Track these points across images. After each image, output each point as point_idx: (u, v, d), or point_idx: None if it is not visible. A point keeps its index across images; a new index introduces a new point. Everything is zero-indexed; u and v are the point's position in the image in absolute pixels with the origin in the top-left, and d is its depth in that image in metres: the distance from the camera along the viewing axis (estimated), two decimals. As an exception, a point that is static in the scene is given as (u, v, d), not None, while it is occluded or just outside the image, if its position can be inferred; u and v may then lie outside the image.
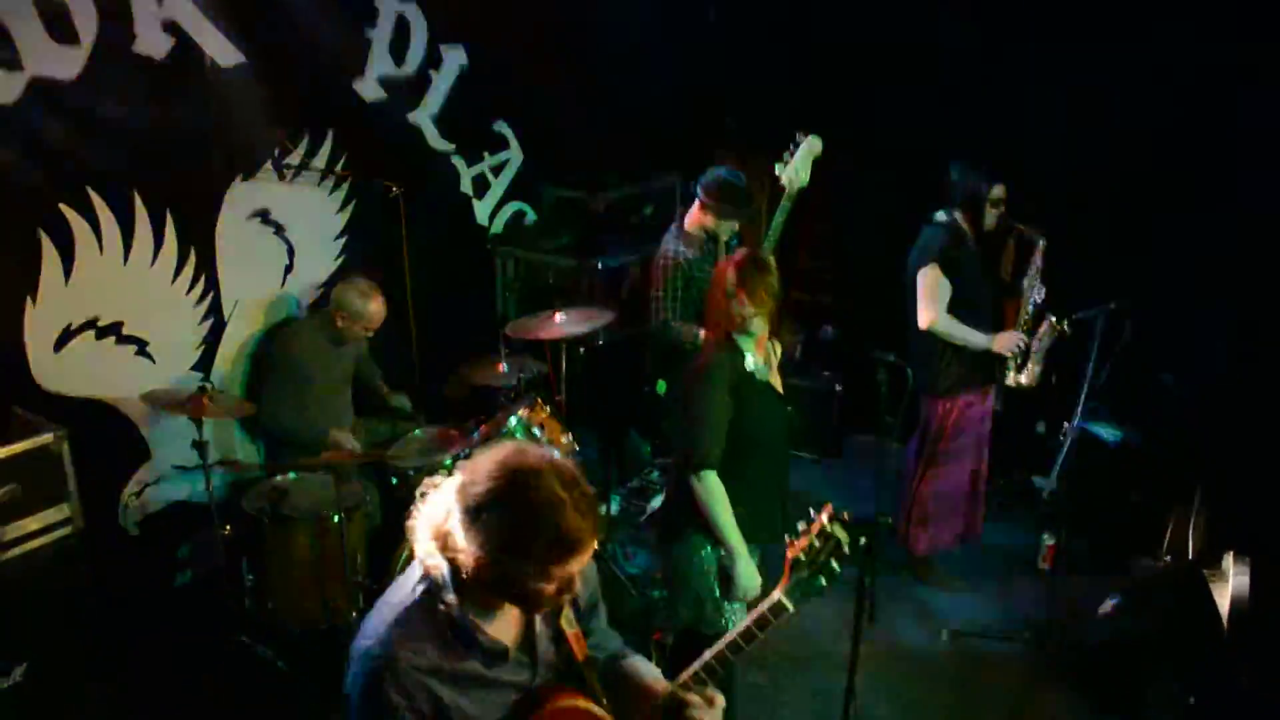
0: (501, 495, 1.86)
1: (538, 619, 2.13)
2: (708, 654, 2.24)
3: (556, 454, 1.97)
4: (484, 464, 1.91)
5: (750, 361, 3.32)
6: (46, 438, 3.62)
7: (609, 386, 5.72)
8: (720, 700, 2.20)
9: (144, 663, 4.11)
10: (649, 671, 2.38)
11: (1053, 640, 4.55)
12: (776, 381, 3.50)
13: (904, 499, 5.04)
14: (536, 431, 4.47)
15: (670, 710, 2.18)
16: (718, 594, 3.41)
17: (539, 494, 1.84)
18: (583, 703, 2.17)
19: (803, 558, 2.24)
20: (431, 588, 1.99)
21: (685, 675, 2.22)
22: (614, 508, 5.58)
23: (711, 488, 3.23)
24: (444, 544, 1.93)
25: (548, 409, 4.61)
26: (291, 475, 4.34)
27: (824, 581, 2.24)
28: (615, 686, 2.34)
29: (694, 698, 2.17)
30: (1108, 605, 4.59)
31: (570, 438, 4.63)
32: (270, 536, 4.09)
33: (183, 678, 4.14)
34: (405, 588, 2.03)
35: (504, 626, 2.08)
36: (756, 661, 4.40)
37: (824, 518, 2.26)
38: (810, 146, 4.19)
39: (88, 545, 3.73)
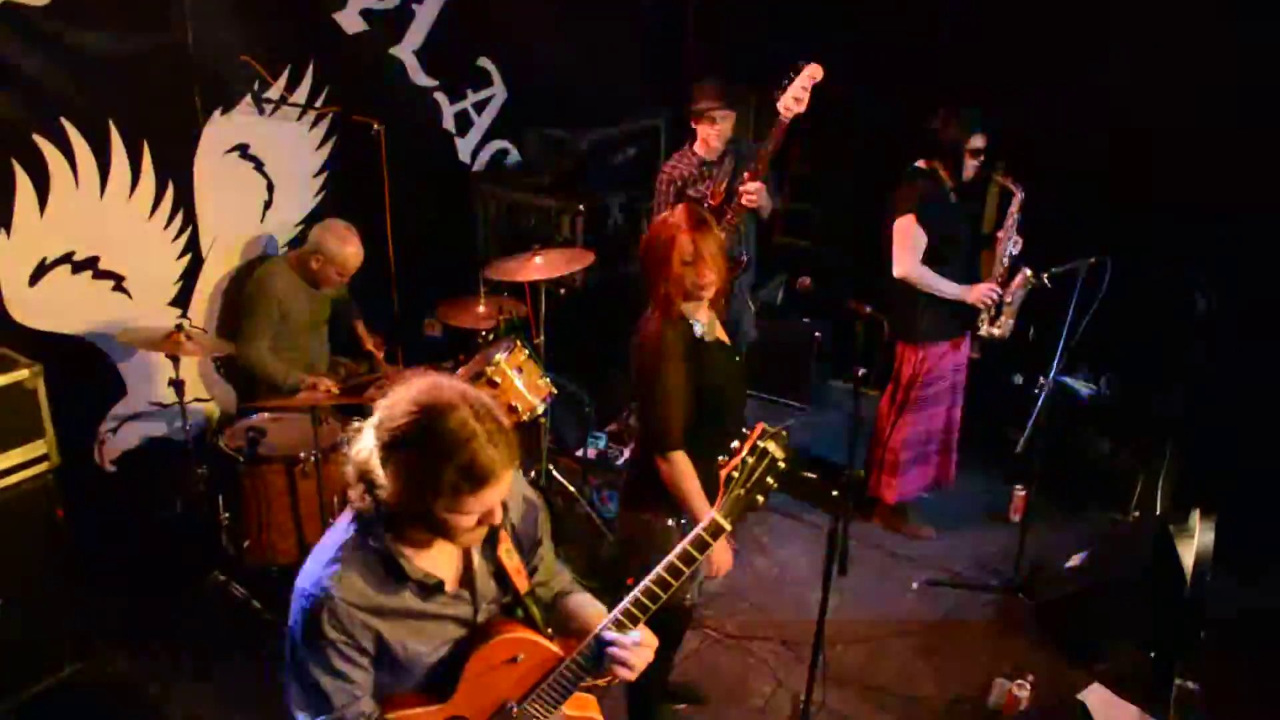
0: (414, 429, 1.88)
1: (475, 554, 2.16)
2: (645, 581, 2.19)
3: (470, 389, 1.96)
4: (399, 400, 1.93)
5: (699, 328, 3.20)
6: (22, 373, 3.58)
7: (589, 329, 5.71)
8: (650, 638, 2.19)
9: (120, 601, 4.14)
10: (592, 608, 2.40)
11: (1021, 591, 4.63)
12: (723, 333, 3.36)
13: (876, 447, 5.07)
14: (514, 374, 4.46)
15: (598, 648, 2.17)
16: None
17: (450, 427, 1.87)
18: (528, 635, 2.20)
19: (736, 475, 2.21)
20: (362, 525, 2.03)
21: (616, 611, 2.20)
22: (591, 451, 5.61)
23: (681, 469, 3.13)
24: (369, 482, 1.96)
25: (526, 351, 4.59)
26: (269, 415, 4.32)
27: (760, 498, 2.22)
28: (560, 622, 2.37)
29: (621, 636, 2.16)
30: (1075, 559, 4.67)
31: (548, 380, 4.62)
32: (247, 476, 4.09)
33: (159, 616, 4.16)
34: (340, 527, 2.07)
35: (441, 561, 2.11)
36: (727, 610, 4.47)
37: (756, 434, 2.23)
38: (810, 73, 4.17)
39: (63, 482, 3.72)
